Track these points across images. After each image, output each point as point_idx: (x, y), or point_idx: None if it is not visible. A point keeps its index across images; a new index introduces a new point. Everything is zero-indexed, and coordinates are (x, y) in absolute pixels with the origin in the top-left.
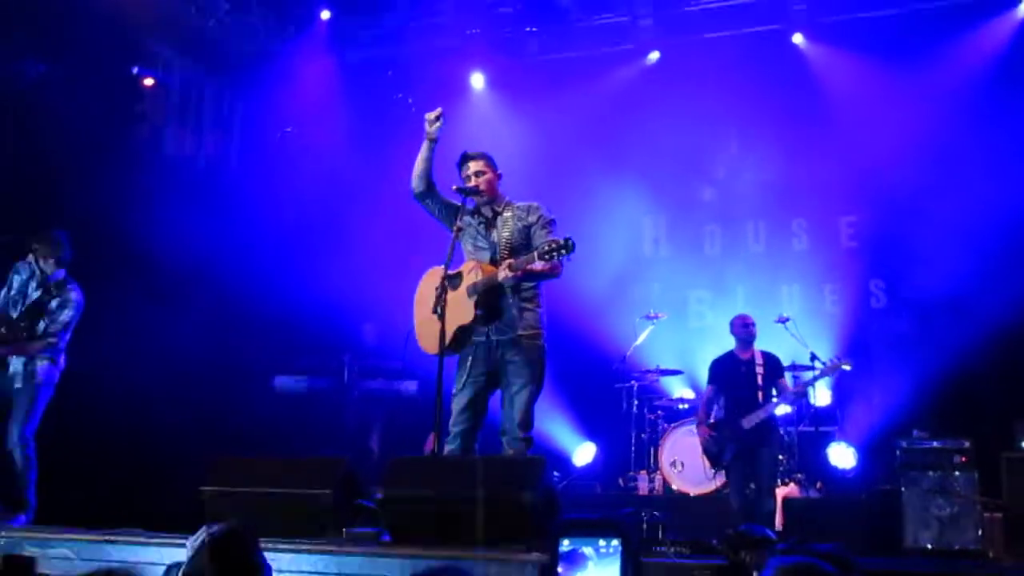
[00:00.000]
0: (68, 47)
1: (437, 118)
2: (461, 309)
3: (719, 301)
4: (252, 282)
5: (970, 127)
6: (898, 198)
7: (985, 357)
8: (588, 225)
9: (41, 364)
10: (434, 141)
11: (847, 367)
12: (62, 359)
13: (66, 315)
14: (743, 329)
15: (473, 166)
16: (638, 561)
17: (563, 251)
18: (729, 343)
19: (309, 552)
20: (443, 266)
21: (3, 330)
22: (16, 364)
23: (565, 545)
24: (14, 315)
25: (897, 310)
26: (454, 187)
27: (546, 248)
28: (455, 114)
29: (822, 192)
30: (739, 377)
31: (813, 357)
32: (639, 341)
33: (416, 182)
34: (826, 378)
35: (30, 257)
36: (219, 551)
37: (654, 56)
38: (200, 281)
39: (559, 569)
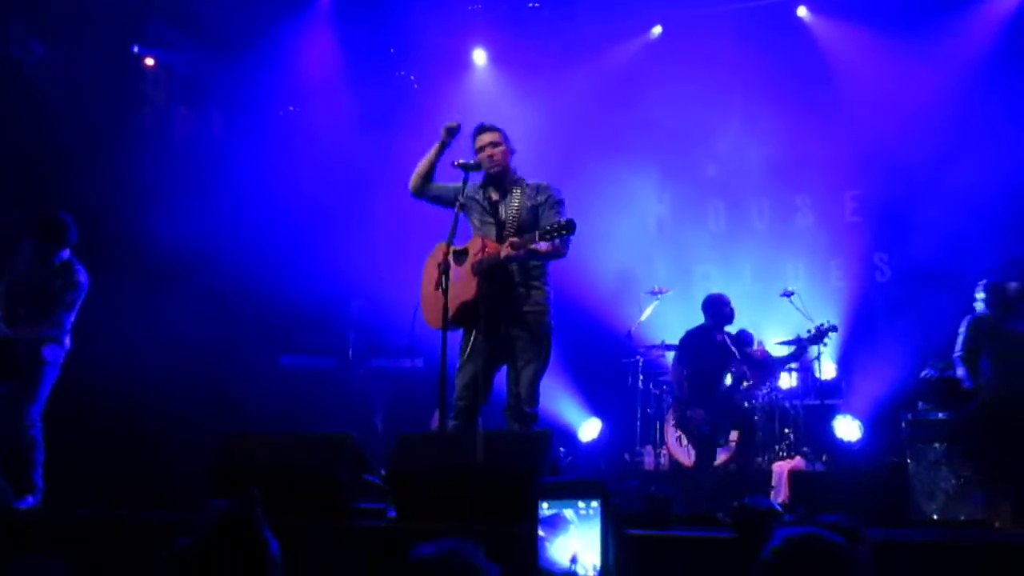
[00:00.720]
0: (69, 29)
1: (453, 130)
2: (465, 285)
3: (724, 276)
4: (257, 262)
5: (974, 99)
6: (902, 171)
7: None
8: (592, 201)
9: (47, 345)
10: (445, 147)
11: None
12: (67, 340)
13: (72, 296)
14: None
15: (488, 137)
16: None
17: (563, 232)
18: (737, 319)
19: (315, 528)
20: (446, 242)
21: (20, 311)
22: (22, 346)
23: (545, 509)
24: (20, 297)
25: (902, 283)
26: (454, 162)
27: (547, 228)
28: (458, 90)
29: (826, 167)
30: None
31: (819, 330)
32: (644, 316)
33: (417, 181)
34: (818, 347)
35: (36, 239)
36: (223, 528)
37: (657, 31)
38: (205, 262)
39: (540, 533)
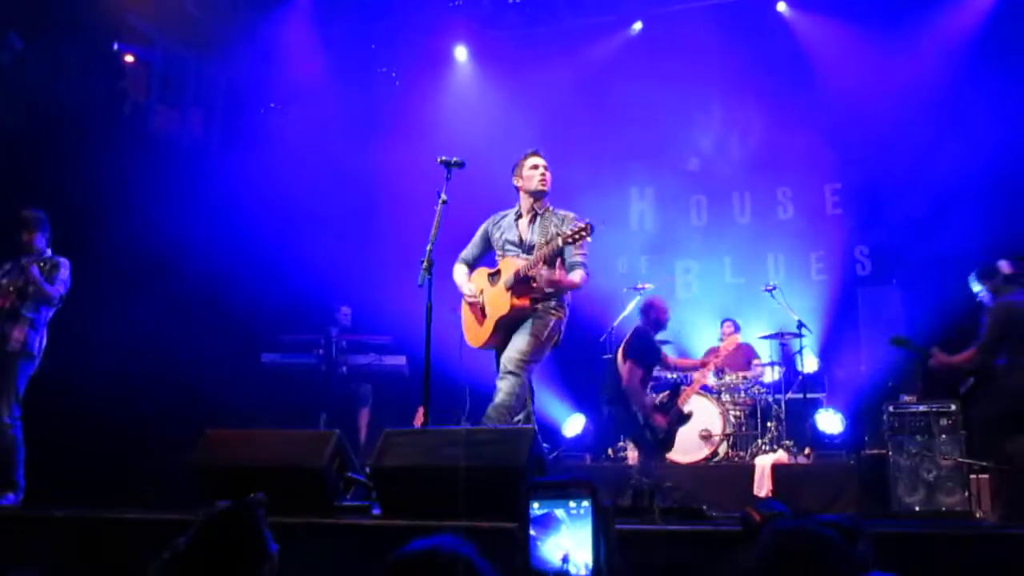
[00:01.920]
0: (47, 24)
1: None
2: (500, 302)
3: (706, 271)
4: (239, 260)
5: (953, 91)
6: (882, 165)
7: (970, 320)
8: (573, 197)
9: (22, 340)
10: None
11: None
12: (44, 333)
13: (58, 289)
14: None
15: (543, 160)
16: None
17: (584, 233)
18: (715, 313)
19: (300, 526)
20: (429, 248)
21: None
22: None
23: (536, 509)
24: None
25: (882, 276)
26: (438, 158)
27: (570, 232)
28: (439, 87)
29: (807, 161)
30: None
31: (800, 325)
32: (627, 312)
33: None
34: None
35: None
36: (225, 527)
37: (637, 27)
38: (185, 259)
39: (532, 533)
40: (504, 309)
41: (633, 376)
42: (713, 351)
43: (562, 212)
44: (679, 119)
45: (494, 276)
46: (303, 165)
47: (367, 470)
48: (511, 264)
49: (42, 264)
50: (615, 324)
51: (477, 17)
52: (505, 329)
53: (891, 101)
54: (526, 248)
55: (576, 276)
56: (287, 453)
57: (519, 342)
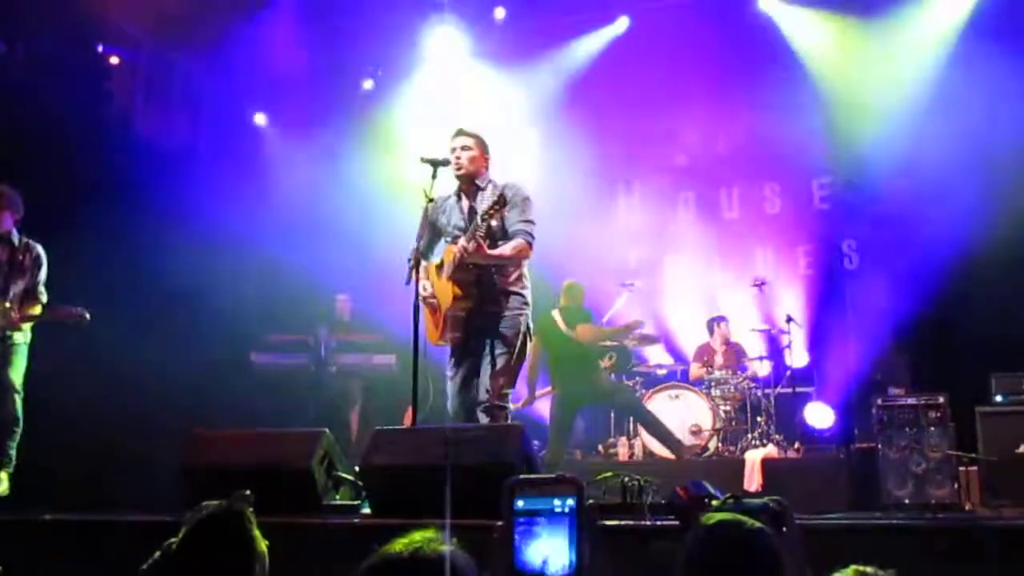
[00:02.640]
0: (31, 26)
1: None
2: (445, 294)
3: (694, 265)
4: (226, 259)
5: (941, 82)
6: (869, 158)
7: (959, 312)
8: (561, 194)
9: (19, 330)
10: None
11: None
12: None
13: (43, 273)
14: None
15: (460, 141)
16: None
17: (496, 209)
18: (703, 308)
19: (288, 525)
20: (415, 246)
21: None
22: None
23: (520, 506)
24: None
25: (870, 270)
26: (420, 157)
27: (482, 215)
28: (423, 84)
29: (794, 155)
30: None
31: (788, 319)
32: (615, 308)
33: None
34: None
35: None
36: (214, 526)
37: (622, 23)
38: (172, 260)
39: (515, 531)
40: (448, 301)
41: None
42: (705, 348)
43: (503, 181)
44: (665, 115)
45: (440, 267)
46: (290, 166)
47: (356, 469)
48: (451, 251)
49: (21, 247)
50: (605, 319)
51: (461, 13)
52: (459, 326)
53: (878, 93)
54: (467, 228)
55: (509, 247)
56: (275, 453)
57: (494, 368)
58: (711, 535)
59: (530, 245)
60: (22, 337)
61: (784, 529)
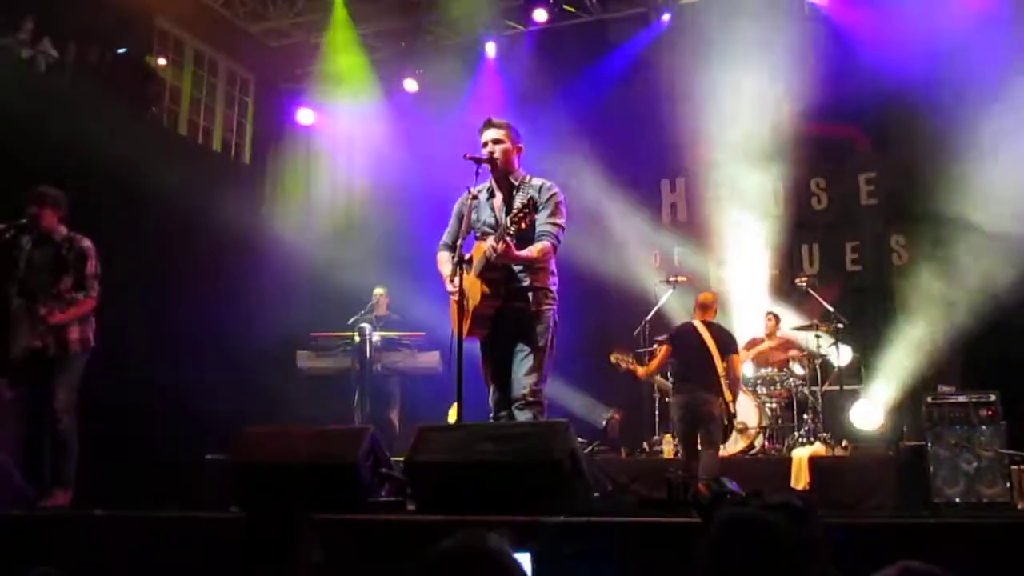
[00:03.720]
0: (80, 31)
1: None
2: (474, 291)
3: (740, 263)
4: (273, 258)
5: (986, 69)
6: (916, 153)
7: (1011, 309)
8: (606, 192)
9: (74, 331)
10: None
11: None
12: (92, 320)
13: (92, 265)
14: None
15: (491, 133)
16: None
17: (526, 211)
18: (750, 304)
19: (334, 522)
20: (459, 244)
21: (42, 309)
22: (52, 333)
23: None
24: (38, 287)
25: (919, 265)
26: (464, 155)
27: (510, 221)
28: (468, 85)
29: (840, 149)
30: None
31: (836, 316)
32: (660, 305)
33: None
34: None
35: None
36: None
37: (666, 18)
38: (221, 260)
39: None
40: (476, 299)
41: (738, 368)
42: (754, 342)
43: (538, 181)
44: (707, 110)
45: (468, 263)
46: (335, 163)
47: (401, 466)
48: (480, 248)
49: (66, 244)
50: (649, 317)
51: (505, 14)
52: (488, 323)
53: (925, 88)
54: (499, 225)
55: (535, 249)
56: (321, 450)
57: (526, 365)
58: (728, 530)
59: (555, 247)
60: (79, 347)
61: (806, 525)
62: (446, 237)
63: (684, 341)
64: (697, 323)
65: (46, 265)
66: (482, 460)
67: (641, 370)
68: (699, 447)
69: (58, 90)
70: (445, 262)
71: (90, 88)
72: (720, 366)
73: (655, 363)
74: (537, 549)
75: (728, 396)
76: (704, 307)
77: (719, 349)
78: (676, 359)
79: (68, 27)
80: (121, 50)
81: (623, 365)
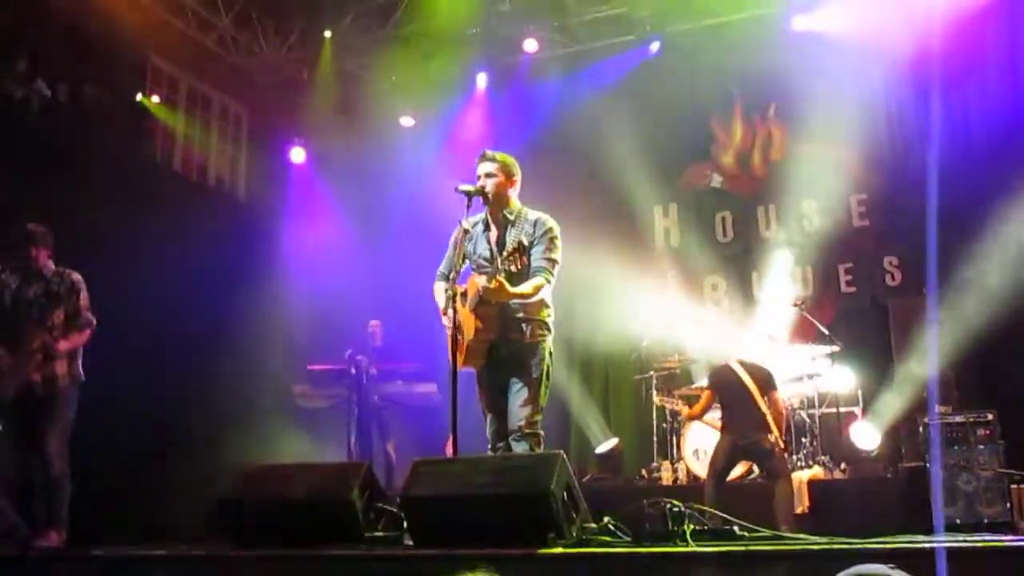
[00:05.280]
0: (74, 70)
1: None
2: (468, 324)
3: (734, 287)
4: (268, 292)
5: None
6: (908, 173)
7: (1005, 327)
8: (598, 218)
9: (62, 366)
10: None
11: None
12: (80, 354)
13: (84, 297)
14: None
15: (484, 167)
16: None
17: (519, 253)
18: (745, 327)
19: (331, 558)
20: (453, 277)
21: (33, 344)
22: (40, 369)
23: None
24: (27, 322)
25: (913, 286)
26: (456, 187)
27: (503, 261)
28: (461, 115)
29: (831, 172)
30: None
31: (831, 338)
32: (656, 332)
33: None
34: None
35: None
36: None
37: (655, 46)
38: (216, 294)
39: None
40: (471, 333)
41: (780, 404)
42: None
43: (533, 215)
44: (700, 135)
45: (463, 296)
46: (326, 197)
47: (397, 500)
48: (475, 284)
49: (55, 278)
50: (645, 343)
51: (495, 43)
52: (484, 355)
53: (913, 107)
54: (493, 259)
55: (529, 285)
56: (317, 485)
57: (521, 397)
58: None
59: (549, 282)
60: (68, 381)
61: None
62: (442, 267)
63: (725, 384)
64: (733, 364)
65: (37, 300)
66: (477, 493)
67: (686, 411)
68: (724, 482)
69: (52, 128)
70: (440, 293)
71: (84, 126)
72: (763, 403)
73: (699, 408)
74: None
75: (776, 431)
76: (740, 348)
77: (759, 387)
78: (720, 402)
79: (62, 66)
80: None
81: (668, 406)
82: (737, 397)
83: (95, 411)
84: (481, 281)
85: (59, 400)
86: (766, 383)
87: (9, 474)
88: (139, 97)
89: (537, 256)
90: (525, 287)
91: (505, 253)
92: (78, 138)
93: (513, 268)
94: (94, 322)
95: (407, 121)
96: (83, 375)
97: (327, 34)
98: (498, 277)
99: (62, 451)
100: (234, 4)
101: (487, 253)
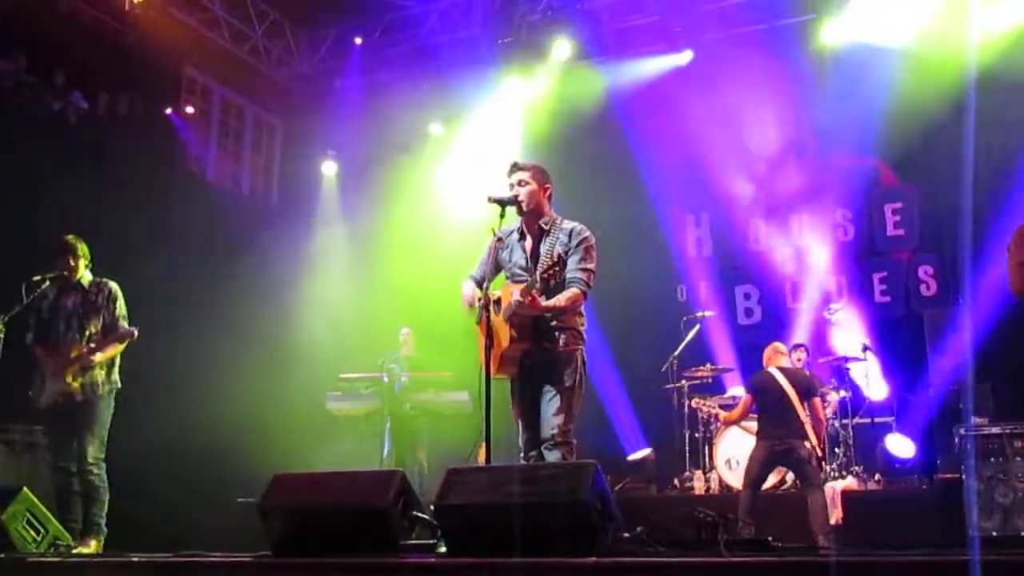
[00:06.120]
0: (109, 82)
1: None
2: (502, 333)
3: (766, 297)
4: (300, 300)
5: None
6: (942, 183)
7: None
8: (631, 227)
9: (100, 374)
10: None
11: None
12: (117, 363)
13: (121, 306)
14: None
15: (517, 176)
16: None
17: (557, 268)
18: (777, 339)
19: (366, 566)
20: (486, 288)
21: (71, 354)
22: (79, 377)
23: None
24: (66, 331)
25: (948, 295)
26: (488, 197)
27: (537, 279)
28: (493, 124)
29: (865, 181)
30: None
31: (865, 348)
32: (687, 340)
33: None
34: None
35: (57, 269)
36: None
37: (687, 56)
38: (250, 302)
39: None
40: (505, 342)
41: (820, 411)
42: None
43: (568, 224)
44: (733, 144)
45: (498, 304)
46: (357, 206)
47: (431, 508)
48: (509, 294)
49: (93, 288)
50: (676, 353)
51: (526, 52)
52: (517, 363)
53: (947, 115)
54: (529, 266)
55: (563, 298)
56: (352, 494)
57: (554, 405)
58: None
59: (585, 294)
60: (107, 387)
61: None
62: (475, 271)
63: (764, 391)
64: (774, 370)
65: (76, 311)
66: (511, 502)
67: (724, 416)
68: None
69: (89, 140)
70: (467, 289)
71: (120, 137)
72: (802, 411)
73: (738, 413)
74: None
75: (814, 439)
76: (779, 354)
77: (799, 394)
78: (759, 408)
79: (98, 78)
80: None
81: (705, 410)
82: (776, 403)
83: (130, 419)
84: (516, 295)
85: (97, 408)
86: (807, 390)
87: (48, 483)
88: (171, 109)
89: (572, 267)
90: (560, 300)
91: (541, 264)
92: (113, 149)
93: (550, 281)
94: (135, 332)
95: (436, 130)
96: (120, 383)
97: (358, 41)
98: (533, 293)
99: (100, 458)
100: (267, 16)
101: (523, 262)
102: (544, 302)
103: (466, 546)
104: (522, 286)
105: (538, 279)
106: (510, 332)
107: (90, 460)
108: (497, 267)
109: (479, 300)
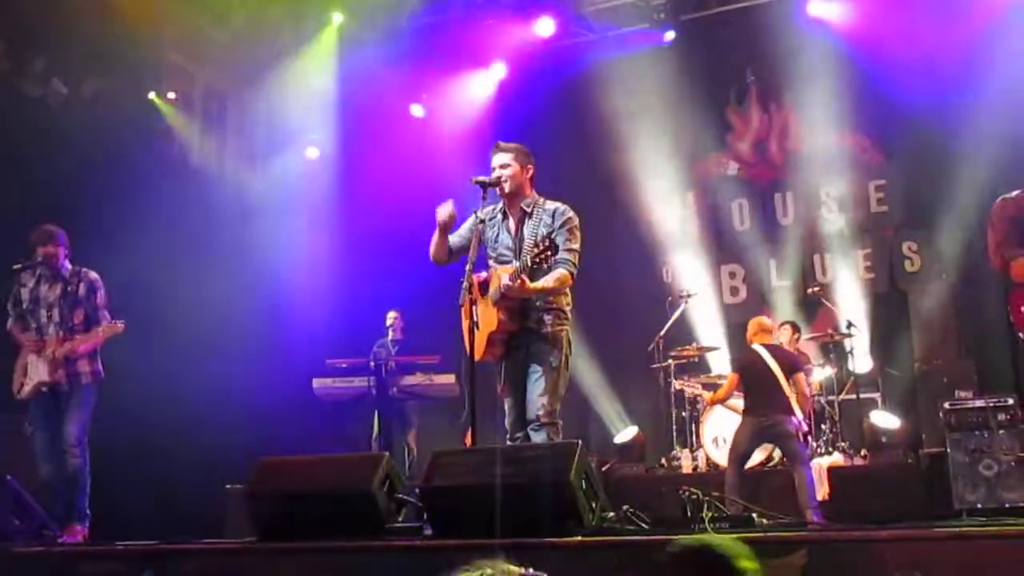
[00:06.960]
0: (90, 67)
1: (449, 214)
2: (489, 316)
3: (752, 275)
4: (287, 286)
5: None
6: (925, 159)
7: None
8: (616, 207)
9: (84, 364)
10: (446, 230)
11: None
12: (99, 352)
13: (101, 296)
14: None
15: (499, 158)
16: None
17: (545, 254)
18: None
19: (353, 549)
20: (469, 269)
21: (54, 345)
22: (62, 368)
23: None
24: (48, 322)
25: (932, 271)
26: (471, 178)
27: (527, 260)
28: (476, 106)
29: (848, 158)
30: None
31: (850, 325)
32: (673, 319)
33: (435, 261)
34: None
35: (38, 258)
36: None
37: (669, 35)
38: (233, 288)
39: None
40: (492, 324)
41: (803, 385)
42: None
43: (551, 205)
44: (717, 123)
45: (484, 286)
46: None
47: (417, 491)
48: (497, 276)
49: (72, 277)
50: (662, 333)
51: (510, 34)
52: (502, 344)
53: (932, 91)
54: (514, 248)
55: (552, 279)
56: (338, 477)
57: (540, 386)
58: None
59: (572, 275)
60: (91, 377)
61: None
62: (470, 265)
63: (750, 368)
64: (759, 347)
65: (56, 300)
66: (497, 483)
67: (709, 397)
68: (745, 468)
69: (69, 127)
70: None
71: (100, 123)
72: (787, 387)
73: (724, 391)
74: (554, 570)
75: (800, 415)
76: (764, 331)
77: (784, 370)
78: (744, 385)
79: (79, 63)
80: None
81: (689, 390)
82: (762, 380)
83: (114, 406)
84: (504, 278)
85: (81, 396)
86: (791, 366)
87: (34, 472)
88: (153, 94)
89: (560, 248)
90: (548, 281)
91: (527, 247)
92: (94, 136)
93: (538, 264)
94: (120, 326)
95: (418, 111)
96: (103, 373)
97: (336, 21)
98: (522, 276)
99: (82, 444)
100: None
101: (509, 242)
102: (533, 284)
103: (452, 528)
104: (510, 268)
105: (529, 262)
106: (497, 315)
107: (72, 442)
108: (475, 239)
109: (463, 281)
